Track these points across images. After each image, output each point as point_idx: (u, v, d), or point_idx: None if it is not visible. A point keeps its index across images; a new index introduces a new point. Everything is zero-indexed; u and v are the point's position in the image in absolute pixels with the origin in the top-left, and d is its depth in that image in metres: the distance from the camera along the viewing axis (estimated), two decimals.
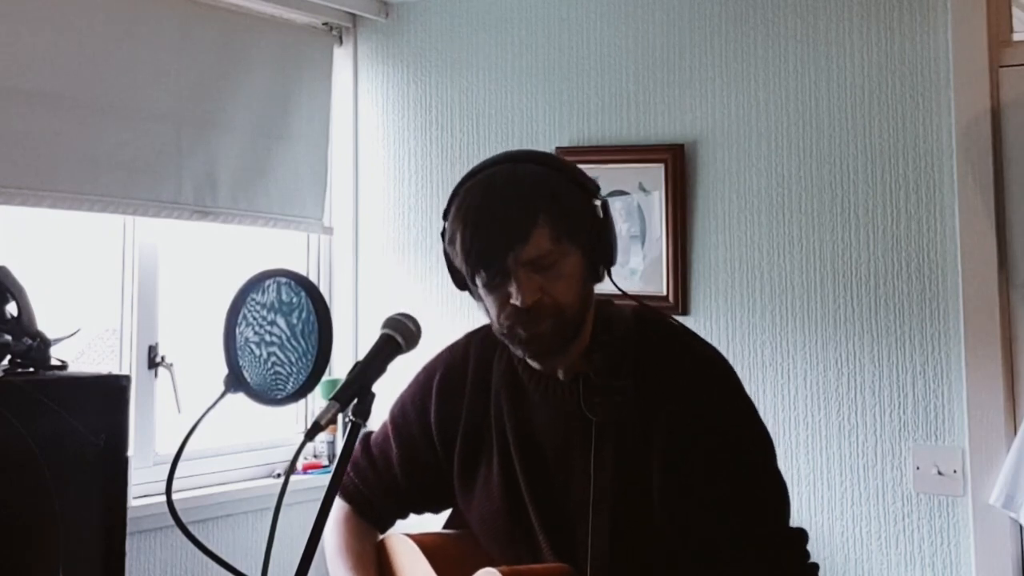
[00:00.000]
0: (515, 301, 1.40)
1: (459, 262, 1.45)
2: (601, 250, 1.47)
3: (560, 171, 1.48)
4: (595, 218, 1.47)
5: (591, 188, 1.49)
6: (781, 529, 1.44)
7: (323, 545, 1.65)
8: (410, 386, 1.71)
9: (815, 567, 1.43)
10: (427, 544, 1.60)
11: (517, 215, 1.41)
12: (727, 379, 1.51)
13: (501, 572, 1.40)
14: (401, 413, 1.70)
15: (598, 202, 1.48)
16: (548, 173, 1.47)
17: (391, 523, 1.74)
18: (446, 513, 1.73)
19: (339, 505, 1.72)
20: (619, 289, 1.54)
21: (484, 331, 1.62)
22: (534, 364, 1.50)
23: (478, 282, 1.45)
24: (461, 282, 1.50)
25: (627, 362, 1.47)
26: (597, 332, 1.50)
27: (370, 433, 1.75)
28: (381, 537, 1.70)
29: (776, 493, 1.46)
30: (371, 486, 1.70)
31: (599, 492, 1.43)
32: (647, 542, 1.43)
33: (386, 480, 1.69)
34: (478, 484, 1.58)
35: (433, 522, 1.75)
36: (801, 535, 1.46)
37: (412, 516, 1.75)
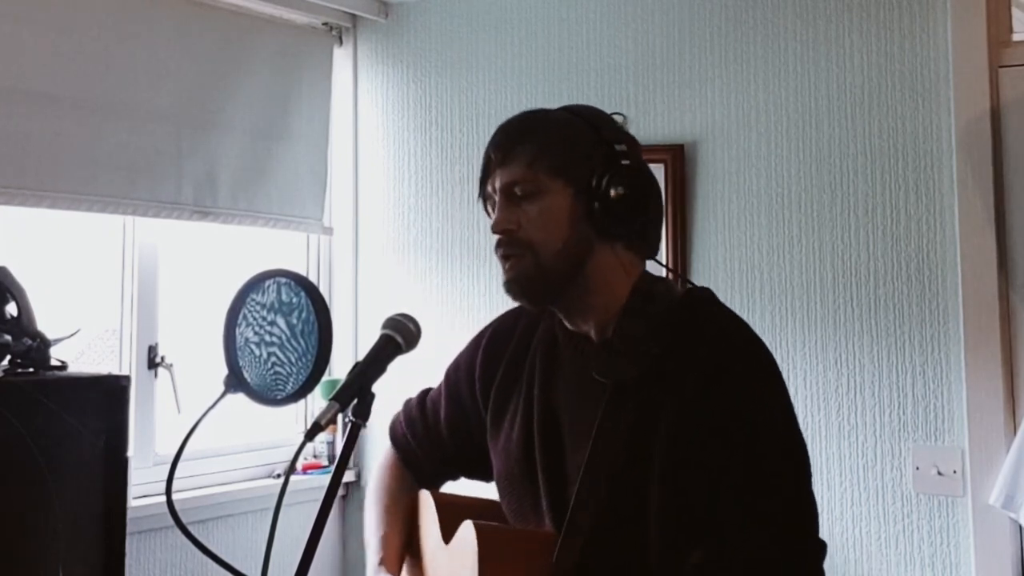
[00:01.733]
0: (492, 227, 1.44)
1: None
2: (598, 195, 1.39)
3: (576, 115, 1.47)
4: (603, 162, 1.40)
5: (608, 133, 1.43)
6: (785, 539, 1.30)
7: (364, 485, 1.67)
8: (466, 345, 1.71)
9: None
10: (444, 502, 1.59)
11: (503, 142, 1.44)
12: (762, 370, 1.38)
13: (476, 525, 1.38)
14: (454, 369, 1.69)
15: (616, 148, 1.41)
16: (560, 114, 1.48)
17: (437, 480, 1.72)
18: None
19: (389, 451, 1.75)
20: (655, 260, 1.47)
21: None
22: (514, 300, 1.47)
23: (485, 208, 1.50)
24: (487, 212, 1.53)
25: (660, 333, 1.37)
26: (634, 299, 1.42)
27: (430, 389, 1.75)
28: (420, 493, 1.68)
29: (787, 499, 1.32)
30: (419, 439, 1.71)
31: (595, 456, 1.36)
32: (635, 520, 1.35)
33: (433, 435, 1.69)
34: (501, 440, 1.56)
35: (489, 490, 1.70)
36: (815, 551, 1.33)
37: (464, 480, 1.73)
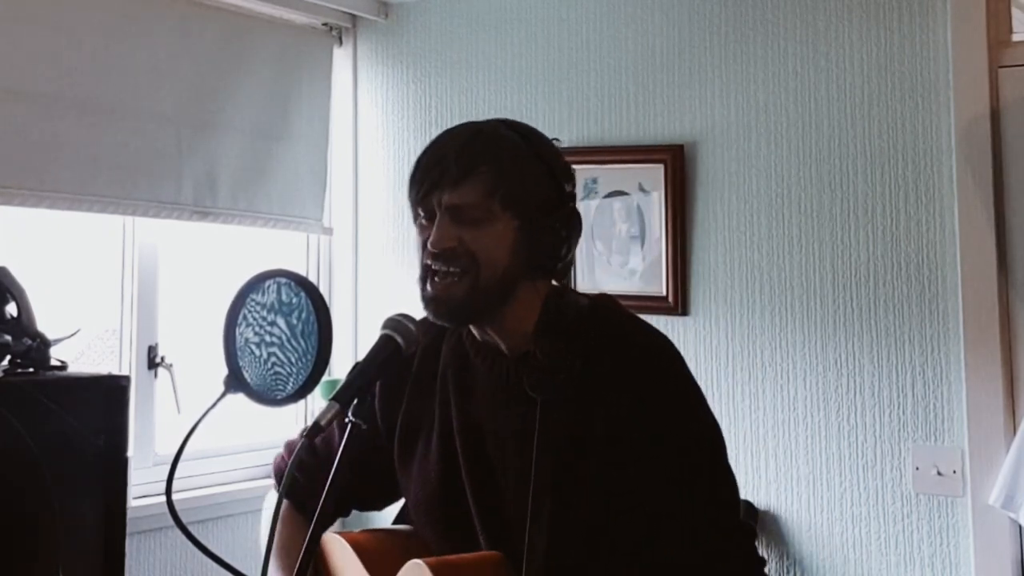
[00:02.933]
0: (429, 243, 1.41)
1: (408, 196, 1.47)
2: (543, 233, 1.41)
3: (531, 143, 1.46)
4: (552, 201, 1.42)
5: (559, 172, 1.45)
6: (723, 520, 1.39)
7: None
8: None
9: (762, 561, 1.40)
10: (360, 542, 1.54)
11: (458, 159, 1.41)
12: (675, 367, 1.46)
13: (428, 564, 1.35)
14: None
15: (566, 188, 1.44)
16: (515, 138, 1.46)
17: (332, 519, 1.65)
18: (393, 510, 1.67)
19: (276, 500, 1.65)
20: (559, 284, 1.50)
21: None
22: (436, 320, 1.44)
23: (416, 221, 1.46)
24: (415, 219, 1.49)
25: (575, 344, 1.41)
26: (546, 313, 1.45)
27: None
28: (326, 537, 1.61)
29: (720, 482, 1.41)
30: (313, 479, 1.60)
31: (540, 476, 1.37)
32: (586, 529, 1.38)
33: (327, 470, 1.64)
34: (416, 466, 1.53)
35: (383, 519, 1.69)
36: (748, 529, 1.43)
37: (356, 512, 1.70)
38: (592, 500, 1.38)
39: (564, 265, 1.47)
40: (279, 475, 1.70)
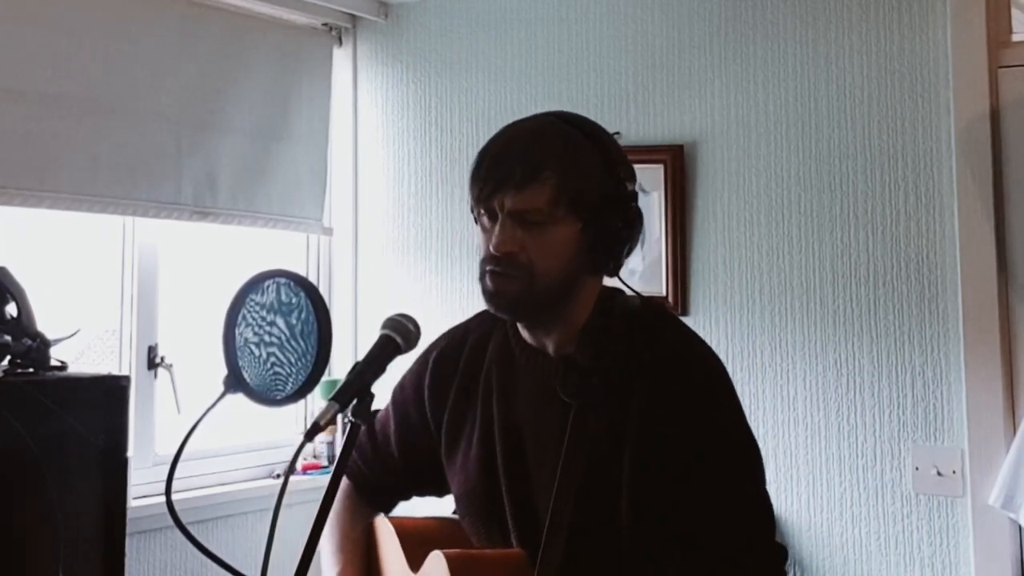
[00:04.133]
0: (491, 245, 1.40)
1: (469, 191, 1.45)
2: (604, 234, 1.41)
3: (596, 142, 1.43)
4: (614, 202, 1.42)
5: (621, 170, 1.44)
6: (749, 541, 1.35)
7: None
8: (411, 366, 1.69)
9: None
10: (405, 527, 1.58)
11: (523, 163, 1.39)
12: (711, 379, 1.44)
13: (446, 555, 1.37)
14: (400, 390, 1.68)
15: (628, 187, 1.43)
16: (578, 137, 1.43)
17: (391, 503, 1.71)
18: (451, 499, 1.70)
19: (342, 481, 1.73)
20: (626, 285, 1.50)
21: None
22: (493, 311, 1.45)
23: (478, 218, 1.45)
24: (474, 216, 1.48)
25: (617, 349, 1.41)
26: (595, 316, 1.45)
27: (376, 411, 1.73)
28: (373, 521, 1.67)
29: (748, 501, 1.38)
30: (370, 464, 1.69)
31: (565, 478, 1.37)
32: (608, 536, 1.38)
33: (384, 457, 1.68)
34: (459, 460, 1.56)
35: (443, 506, 1.71)
36: (776, 553, 1.38)
37: (417, 499, 1.73)
38: (614, 508, 1.37)
39: (619, 263, 1.47)
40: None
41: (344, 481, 1.70)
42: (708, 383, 1.43)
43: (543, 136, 1.43)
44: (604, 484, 1.38)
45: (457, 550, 1.41)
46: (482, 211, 1.44)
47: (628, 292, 1.52)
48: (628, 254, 1.47)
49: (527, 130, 1.45)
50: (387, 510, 1.70)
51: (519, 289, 1.40)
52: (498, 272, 1.41)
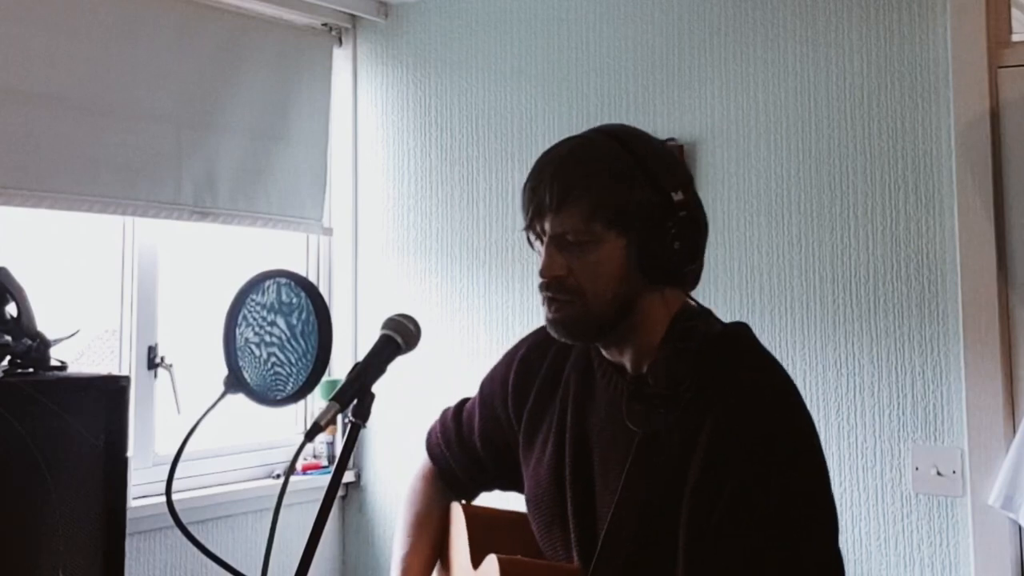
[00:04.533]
0: (539, 271, 1.39)
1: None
2: (654, 247, 1.36)
3: (634, 153, 1.39)
4: (659, 213, 1.37)
5: (664, 180, 1.38)
6: None
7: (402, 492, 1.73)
8: (501, 358, 1.69)
9: None
10: (475, 513, 1.60)
11: (555, 185, 1.37)
12: (786, 416, 1.34)
13: (500, 560, 1.37)
14: (489, 382, 1.68)
15: (674, 196, 1.38)
16: (615, 151, 1.39)
17: (472, 491, 1.72)
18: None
19: (424, 461, 1.74)
20: (692, 300, 1.46)
21: None
22: (557, 337, 1.44)
23: (530, 242, 1.45)
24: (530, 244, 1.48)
25: (690, 377, 1.34)
26: (672, 337, 1.39)
27: (468, 399, 1.75)
28: (452, 505, 1.68)
29: (811, 559, 1.29)
30: (453, 450, 1.70)
31: (623, 502, 1.35)
32: (665, 558, 1.32)
33: (467, 446, 1.69)
34: (532, 462, 1.56)
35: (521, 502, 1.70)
36: None
37: (499, 492, 1.73)
38: (669, 543, 1.32)
39: (691, 272, 1.44)
40: (428, 441, 1.76)
41: (427, 462, 1.74)
42: (788, 429, 1.33)
43: (574, 155, 1.40)
44: (665, 513, 1.32)
45: (510, 557, 1.41)
46: (531, 238, 1.43)
47: (707, 310, 1.48)
48: (692, 263, 1.43)
49: (561, 151, 1.42)
50: (468, 498, 1.71)
51: (575, 313, 1.38)
52: (552, 298, 1.40)
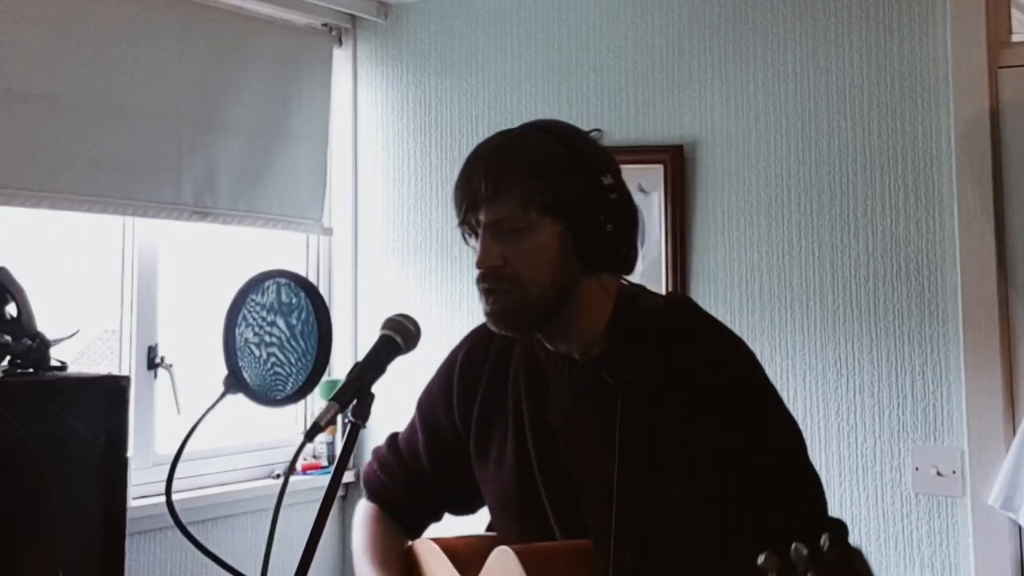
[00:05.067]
0: (476, 262, 1.41)
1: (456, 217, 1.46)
2: (588, 231, 1.40)
3: (561, 142, 1.43)
4: (591, 198, 1.40)
5: (593, 166, 1.42)
6: (808, 516, 1.36)
7: (351, 546, 1.65)
8: (437, 370, 1.68)
9: (857, 552, 1.38)
10: (451, 546, 1.55)
11: (488, 175, 1.40)
12: (749, 366, 1.46)
13: (515, 550, 1.35)
14: (427, 397, 1.68)
15: (604, 180, 1.42)
16: (543, 140, 1.44)
17: (422, 524, 1.69)
18: (485, 516, 1.67)
19: (367, 505, 1.70)
20: (625, 282, 1.49)
21: None
22: (496, 331, 1.46)
23: (464, 237, 1.47)
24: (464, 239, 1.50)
25: (650, 343, 1.42)
26: (618, 315, 1.45)
27: (397, 433, 1.73)
28: (410, 544, 1.64)
29: (800, 479, 1.40)
30: (398, 481, 1.67)
31: (624, 465, 1.38)
32: (670, 529, 1.38)
33: (414, 472, 1.65)
34: (491, 468, 1.55)
35: (476, 525, 1.69)
36: (838, 524, 1.38)
37: (448, 517, 1.71)
38: (673, 499, 1.38)
39: (626, 258, 1.46)
40: (367, 483, 1.72)
41: (369, 505, 1.69)
42: (747, 368, 1.45)
43: (506, 146, 1.45)
44: (655, 478, 1.38)
45: (523, 545, 1.39)
46: (466, 232, 1.45)
47: (645, 288, 1.52)
48: (626, 247, 1.45)
49: (491, 145, 1.46)
50: (418, 530, 1.67)
51: (512, 302, 1.40)
52: (489, 289, 1.41)
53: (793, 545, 0.92)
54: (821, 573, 0.92)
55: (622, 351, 1.42)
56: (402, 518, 1.67)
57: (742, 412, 1.39)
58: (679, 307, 1.51)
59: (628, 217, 1.44)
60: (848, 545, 1.15)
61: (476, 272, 1.43)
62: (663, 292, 1.56)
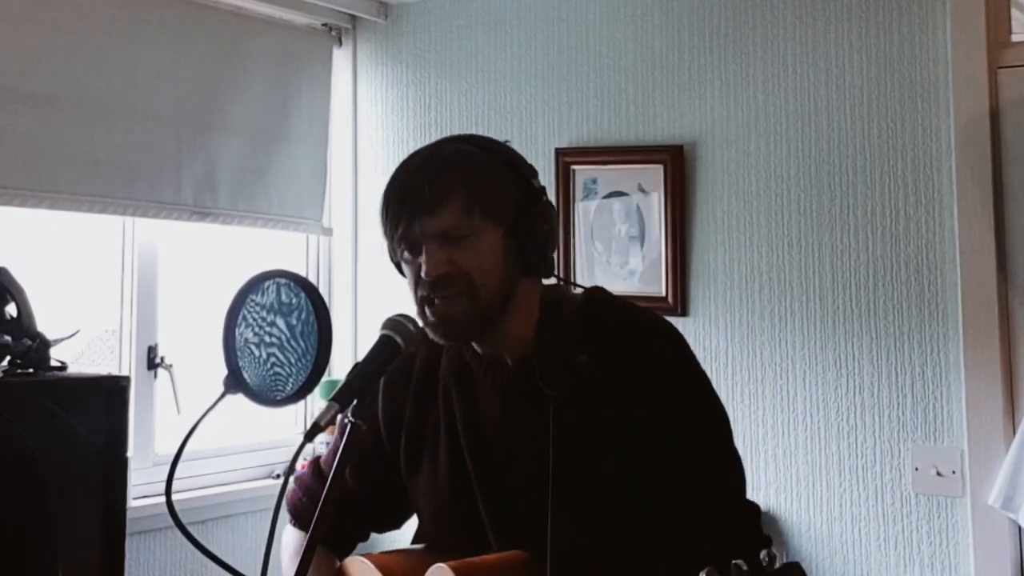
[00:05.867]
0: (423, 273, 1.41)
1: (384, 235, 1.47)
2: (527, 234, 1.44)
3: (487, 150, 1.48)
4: (526, 201, 1.45)
5: (524, 170, 1.48)
6: (732, 498, 1.42)
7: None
8: None
9: (767, 539, 1.41)
10: (385, 563, 1.52)
11: (427, 187, 1.41)
12: (674, 348, 1.49)
13: (451, 567, 1.35)
14: None
15: (535, 184, 1.47)
16: (471, 151, 1.47)
17: (351, 544, 1.66)
18: (410, 530, 1.66)
19: (292, 533, 1.66)
20: (560, 280, 1.54)
21: None
22: (442, 341, 1.47)
23: (400, 256, 1.46)
24: (394, 260, 1.50)
25: (579, 340, 1.45)
26: (544, 315, 1.48)
27: (319, 457, 1.71)
28: (340, 563, 1.62)
29: (727, 459, 1.45)
30: (318, 502, 1.63)
31: (559, 468, 1.39)
32: (605, 520, 1.40)
33: (339, 495, 1.57)
34: (423, 476, 1.55)
35: (401, 540, 1.68)
36: (754, 507, 1.44)
37: (375, 535, 1.70)
38: (608, 491, 1.40)
39: (552, 260, 1.50)
40: (292, 510, 1.69)
41: (294, 532, 1.66)
42: (671, 353, 1.48)
43: (440, 158, 1.47)
44: (591, 473, 1.40)
45: (458, 560, 1.39)
46: (402, 248, 1.44)
47: (563, 285, 1.58)
48: (554, 250, 1.49)
49: (420, 160, 1.48)
50: (347, 553, 1.65)
51: (466, 306, 1.41)
52: (440, 297, 1.41)
53: (733, 563, 0.95)
54: None
55: (550, 351, 1.44)
56: (330, 541, 1.63)
57: (670, 395, 1.42)
58: (598, 300, 1.53)
59: (556, 220, 1.50)
60: (792, 564, 1.18)
61: (418, 284, 1.42)
62: (581, 287, 1.58)
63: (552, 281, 1.54)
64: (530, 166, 1.50)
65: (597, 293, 1.55)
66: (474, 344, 1.50)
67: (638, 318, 1.51)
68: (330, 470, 1.57)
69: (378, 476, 1.60)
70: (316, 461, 1.71)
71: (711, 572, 0.94)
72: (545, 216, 1.46)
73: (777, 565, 0.97)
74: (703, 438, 1.42)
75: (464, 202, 1.40)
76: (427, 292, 1.41)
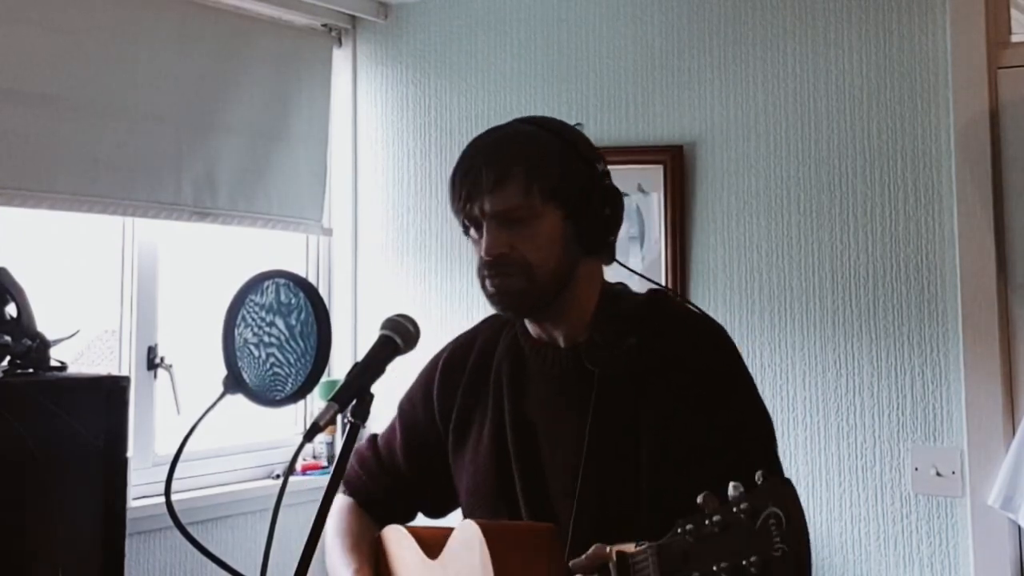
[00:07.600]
0: (482, 252, 1.44)
1: (451, 209, 1.50)
2: (588, 216, 1.45)
3: (554, 133, 1.49)
4: (589, 185, 1.47)
5: (588, 153, 1.49)
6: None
7: (323, 537, 1.64)
8: (419, 375, 1.72)
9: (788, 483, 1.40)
10: (420, 533, 1.58)
11: (490, 167, 1.43)
12: (727, 352, 1.50)
13: (479, 523, 1.38)
14: (408, 400, 1.72)
15: (599, 168, 1.49)
16: (538, 132, 1.49)
17: (394, 520, 1.70)
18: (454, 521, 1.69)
19: (343, 499, 1.73)
20: (623, 265, 1.55)
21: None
22: (501, 313, 1.50)
23: (467, 231, 1.49)
24: (464, 230, 1.53)
25: (632, 328, 1.47)
26: (603, 305, 1.50)
27: (378, 434, 1.77)
28: (386, 529, 1.67)
29: (766, 466, 1.43)
30: (374, 476, 1.71)
31: (592, 454, 1.41)
32: (635, 501, 1.41)
33: (389, 469, 1.70)
34: (467, 456, 1.58)
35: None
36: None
37: (421, 517, 1.73)
38: (641, 472, 1.41)
39: (613, 245, 1.51)
40: (346, 478, 1.74)
41: (345, 498, 1.72)
42: (723, 356, 1.49)
43: (505, 139, 1.49)
44: (628, 455, 1.42)
45: (487, 520, 1.42)
46: (467, 223, 1.48)
47: (632, 284, 1.58)
48: (617, 231, 1.51)
49: (489, 139, 1.50)
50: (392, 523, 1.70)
51: (521, 284, 1.44)
52: (498, 275, 1.44)
53: (731, 484, 1.00)
54: (754, 500, 1.02)
55: (604, 339, 1.47)
56: (375, 512, 1.70)
57: (717, 400, 1.42)
58: (660, 299, 1.56)
59: (620, 200, 1.52)
60: (782, 478, 1.21)
61: (479, 261, 1.46)
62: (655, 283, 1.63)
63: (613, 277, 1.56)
64: (594, 150, 1.51)
65: (659, 293, 1.58)
66: (529, 328, 1.54)
67: (694, 315, 1.54)
68: (385, 445, 1.71)
69: (426, 461, 1.66)
70: (374, 437, 1.77)
71: (708, 495, 0.99)
72: (608, 199, 1.48)
73: None
74: (741, 441, 1.41)
75: (524, 182, 1.42)
76: (486, 269, 1.45)
